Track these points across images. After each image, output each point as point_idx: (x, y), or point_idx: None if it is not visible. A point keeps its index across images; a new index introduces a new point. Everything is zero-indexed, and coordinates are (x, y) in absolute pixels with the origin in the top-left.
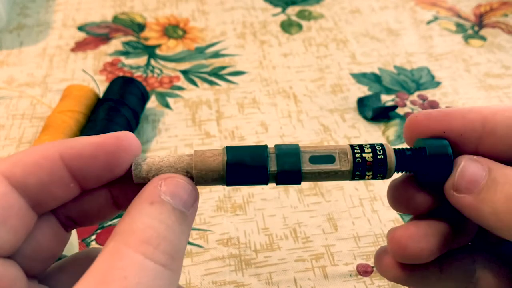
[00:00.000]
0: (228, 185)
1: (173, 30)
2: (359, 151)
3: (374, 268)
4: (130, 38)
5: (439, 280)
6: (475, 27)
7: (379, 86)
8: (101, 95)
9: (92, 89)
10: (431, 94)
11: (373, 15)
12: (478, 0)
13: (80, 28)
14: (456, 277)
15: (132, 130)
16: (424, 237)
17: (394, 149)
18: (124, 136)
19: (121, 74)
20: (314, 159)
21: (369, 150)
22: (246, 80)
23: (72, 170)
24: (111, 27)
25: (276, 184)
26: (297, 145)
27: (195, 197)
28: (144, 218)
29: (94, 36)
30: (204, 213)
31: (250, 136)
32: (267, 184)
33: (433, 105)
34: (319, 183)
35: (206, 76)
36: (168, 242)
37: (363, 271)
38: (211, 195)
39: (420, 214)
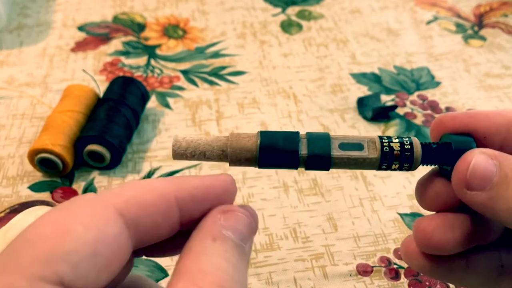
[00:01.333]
0: (260, 166)
1: (173, 30)
2: (387, 141)
3: (374, 268)
4: (130, 38)
5: (465, 275)
6: (475, 27)
7: (379, 86)
8: (101, 95)
9: (92, 89)
10: (431, 94)
11: (373, 15)
12: (478, 0)
13: (80, 28)
14: (482, 273)
15: (132, 130)
16: (450, 228)
17: (421, 142)
18: (230, 180)
19: (121, 74)
20: (344, 146)
21: (397, 140)
22: (246, 80)
23: (182, 211)
24: (111, 27)
25: (305, 169)
26: (327, 133)
27: (254, 230)
28: (210, 257)
29: (94, 36)
30: None
31: None
32: (297, 168)
33: (433, 105)
34: (319, 182)
35: (206, 76)
36: (237, 283)
37: (363, 271)
38: None
39: (447, 210)
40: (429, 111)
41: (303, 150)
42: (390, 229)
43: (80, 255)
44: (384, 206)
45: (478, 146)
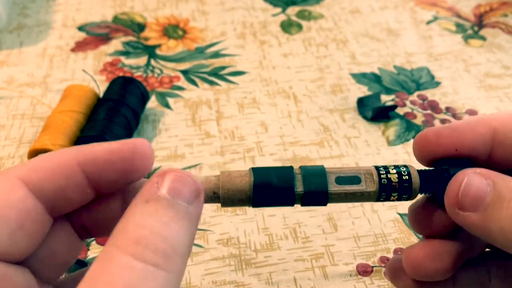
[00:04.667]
0: (254, 206)
1: (173, 30)
2: (384, 172)
3: (374, 268)
4: (130, 38)
5: None
6: (475, 27)
7: (379, 86)
8: (101, 95)
9: (92, 89)
10: (431, 94)
11: (373, 15)
12: (478, 0)
13: (80, 28)
14: (470, 287)
15: (132, 130)
16: (439, 257)
17: (418, 171)
18: (140, 143)
19: (121, 74)
20: (340, 180)
21: (394, 171)
22: (246, 80)
23: (88, 175)
24: (111, 27)
25: (301, 205)
26: (322, 166)
27: (197, 190)
28: (137, 217)
29: (94, 36)
30: (204, 213)
31: (250, 136)
32: (293, 205)
33: (433, 105)
34: None
35: (206, 76)
36: (161, 239)
37: (363, 271)
38: None
39: (440, 233)
40: (429, 111)
41: (299, 187)
42: (390, 229)
43: None
44: (384, 206)
45: (477, 166)
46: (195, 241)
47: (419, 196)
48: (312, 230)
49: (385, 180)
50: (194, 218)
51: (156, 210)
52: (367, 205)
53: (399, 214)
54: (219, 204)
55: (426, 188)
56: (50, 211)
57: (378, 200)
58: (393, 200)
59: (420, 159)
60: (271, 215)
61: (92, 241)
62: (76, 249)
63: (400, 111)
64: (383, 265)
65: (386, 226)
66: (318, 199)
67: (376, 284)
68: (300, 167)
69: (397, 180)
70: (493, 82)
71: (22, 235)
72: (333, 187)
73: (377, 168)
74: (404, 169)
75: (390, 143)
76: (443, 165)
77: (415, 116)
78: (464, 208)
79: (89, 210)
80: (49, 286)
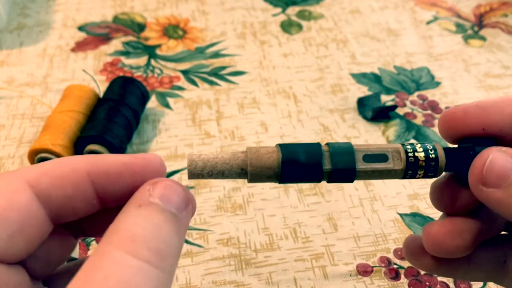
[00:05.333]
0: (281, 182)
1: (173, 30)
2: (411, 150)
3: (374, 268)
4: (130, 38)
5: (468, 271)
6: (475, 27)
7: (379, 86)
8: (101, 95)
9: (92, 89)
10: (431, 94)
11: (373, 15)
12: (478, 0)
13: (80, 28)
14: (485, 268)
15: (132, 130)
16: (460, 234)
17: (444, 148)
18: (152, 159)
19: (121, 74)
20: (368, 158)
21: (421, 149)
22: (246, 80)
23: (97, 186)
24: (111, 27)
25: (327, 182)
26: (350, 143)
27: (188, 199)
28: (131, 219)
29: (94, 36)
30: (204, 213)
31: (250, 136)
32: (320, 182)
33: (433, 105)
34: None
35: (206, 76)
36: (154, 239)
37: (363, 271)
38: (211, 195)
39: (460, 212)
40: (429, 111)
41: (327, 165)
42: (390, 229)
43: None
44: (384, 206)
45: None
46: (195, 241)
47: (443, 174)
48: (312, 230)
49: (412, 158)
50: (183, 225)
51: (148, 214)
52: (367, 205)
53: (399, 214)
54: (220, 204)
55: (452, 166)
56: (52, 218)
57: (404, 177)
58: (418, 178)
59: (446, 137)
60: (271, 215)
61: (92, 240)
62: (70, 247)
63: (400, 111)
64: (383, 265)
65: (386, 226)
66: (345, 176)
67: (376, 284)
68: (327, 144)
69: (424, 158)
70: (493, 82)
71: (21, 239)
72: (361, 165)
73: (404, 146)
74: (431, 147)
75: (390, 143)
76: (467, 143)
77: (415, 116)
78: (488, 184)
79: (90, 218)
80: (39, 281)
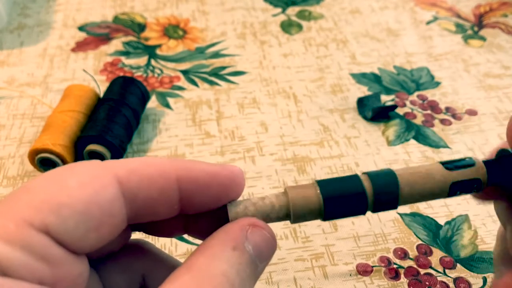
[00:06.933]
0: (325, 220)
1: (173, 30)
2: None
3: (374, 268)
4: (130, 38)
5: None
6: (474, 28)
7: (378, 86)
8: (101, 95)
9: (93, 89)
10: (430, 94)
11: (373, 15)
12: (477, 0)
13: (81, 28)
14: None
15: (132, 130)
16: None
17: (484, 161)
18: (237, 171)
19: (121, 74)
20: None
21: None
22: (246, 80)
23: (183, 193)
24: (111, 27)
25: (372, 212)
26: (390, 169)
27: (273, 252)
28: (223, 263)
29: (94, 36)
30: None
31: (250, 136)
32: (364, 214)
33: (433, 105)
34: None
35: (206, 76)
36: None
37: (363, 270)
38: None
39: None
40: (429, 111)
41: (370, 197)
42: (390, 229)
43: (70, 210)
44: None
45: None
46: (195, 241)
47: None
48: (312, 230)
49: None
50: (259, 277)
51: (239, 263)
52: None
53: (399, 214)
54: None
55: (495, 180)
56: (130, 218)
57: (447, 197)
58: (460, 195)
59: None
60: None
61: None
62: (126, 239)
63: (400, 111)
64: (383, 265)
65: (386, 226)
66: (389, 204)
67: (376, 284)
68: (368, 174)
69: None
70: (492, 82)
71: (95, 236)
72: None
73: (444, 165)
74: (472, 163)
75: (390, 143)
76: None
77: (415, 116)
78: None
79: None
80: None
